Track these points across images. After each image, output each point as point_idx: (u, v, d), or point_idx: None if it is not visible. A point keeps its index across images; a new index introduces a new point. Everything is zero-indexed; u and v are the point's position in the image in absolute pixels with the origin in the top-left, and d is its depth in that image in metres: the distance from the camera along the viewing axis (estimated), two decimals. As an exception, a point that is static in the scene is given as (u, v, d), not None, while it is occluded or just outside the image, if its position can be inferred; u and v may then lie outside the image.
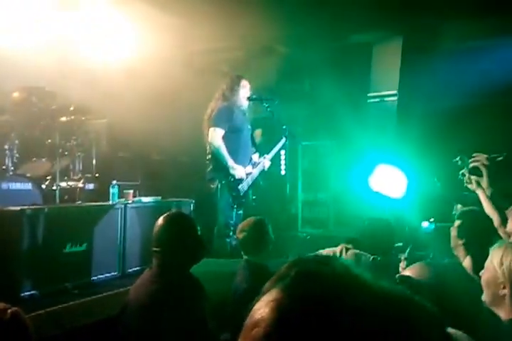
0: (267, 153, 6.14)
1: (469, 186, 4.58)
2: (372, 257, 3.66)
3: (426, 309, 0.78)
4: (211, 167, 5.74)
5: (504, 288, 1.98)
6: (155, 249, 2.98)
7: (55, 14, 6.50)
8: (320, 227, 7.49)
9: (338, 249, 3.78)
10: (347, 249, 3.75)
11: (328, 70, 7.93)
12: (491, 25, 7.35)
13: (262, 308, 0.76)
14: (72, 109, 6.56)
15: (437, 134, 7.21)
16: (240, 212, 5.73)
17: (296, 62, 8.38)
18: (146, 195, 6.21)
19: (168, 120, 7.18)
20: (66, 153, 6.48)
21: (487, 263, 2.08)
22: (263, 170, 6.03)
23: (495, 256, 2.05)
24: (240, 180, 5.67)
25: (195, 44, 7.86)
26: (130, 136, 7.10)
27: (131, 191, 5.83)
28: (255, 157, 6.06)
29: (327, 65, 7.97)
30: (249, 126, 5.98)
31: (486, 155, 2.34)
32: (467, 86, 7.36)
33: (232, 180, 5.60)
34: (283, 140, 6.13)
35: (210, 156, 5.74)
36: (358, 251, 3.74)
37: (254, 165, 5.95)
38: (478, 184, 4.38)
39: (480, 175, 2.33)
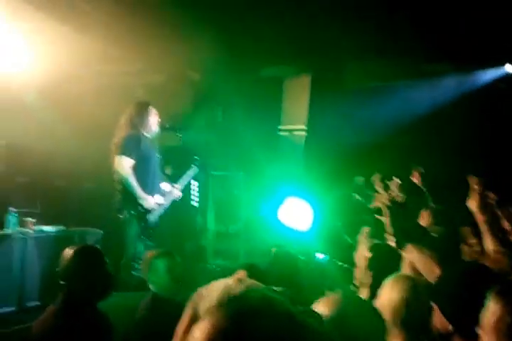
0: (177, 183, 5.96)
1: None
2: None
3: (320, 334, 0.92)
4: (119, 196, 5.49)
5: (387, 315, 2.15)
6: (61, 282, 2.86)
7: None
8: (231, 259, 7.39)
9: (231, 281, 3.64)
10: (240, 281, 3.61)
11: (240, 101, 8.00)
12: (394, 67, 7.81)
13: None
14: (-36, 129, 6.05)
15: (341, 169, 7.42)
16: (150, 243, 5.50)
17: (209, 91, 8.40)
18: (47, 224, 5.82)
19: (73, 143, 6.82)
20: None
21: (378, 294, 2.29)
22: (173, 200, 5.85)
23: (385, 288, 2.27)
24: (150, 211, 5.46)
25: (106, 65, 7.61)
26: (30, 159, 6.69)
27: (31, 219, 5.43)
28: (165, 186, 5.86)
29: (240, 95, 8.05)
30: (158, 155, 5.79)
31: (387, 196, 2.44)
32: (370, 124, 7.71)
33: (141, 210, 5.39)
34: (193, 169, 6.02)
35: (118, 185, 5.48)
36: (251, 282, 3.61)
37: (165, 194, 5.75)
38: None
39: (381, 214, 2.45)
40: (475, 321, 1.79)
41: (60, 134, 6.82)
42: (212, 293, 3.43)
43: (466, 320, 1.86)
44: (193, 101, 7.89)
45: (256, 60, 7.96)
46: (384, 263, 3.34)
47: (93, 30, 6.62)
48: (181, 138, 5.90)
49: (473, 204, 2.92)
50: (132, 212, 5.41)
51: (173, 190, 5.88)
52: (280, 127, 8.49)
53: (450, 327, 1.87)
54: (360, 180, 5.19)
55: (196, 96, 7.98)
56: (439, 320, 1.90)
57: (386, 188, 4.84)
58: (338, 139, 7.90)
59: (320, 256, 3.72)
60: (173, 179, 6.07)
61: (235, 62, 7.78)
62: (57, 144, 6.86)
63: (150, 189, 5.53)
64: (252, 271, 3.72)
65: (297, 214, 6.06)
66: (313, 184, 7.03)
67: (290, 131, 8.44)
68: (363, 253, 3.57)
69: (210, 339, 0.80)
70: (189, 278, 4.80)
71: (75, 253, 2.91)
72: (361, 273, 3.49)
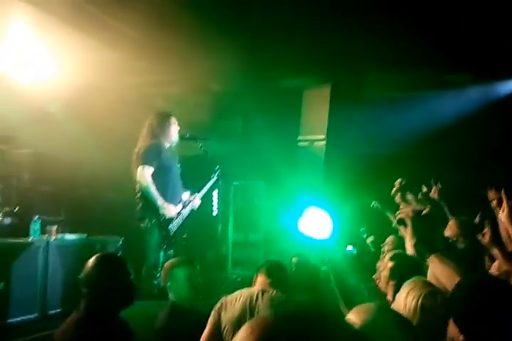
0: (198, 192, 6.01)
1: (400, 232, 4.75)
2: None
3: None
4: (141, 205, 5.57)
5: None
6: (84, 290, 2.78)
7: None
8: (251, 269, 7.36)
9: (255, 291, 3.62)
10: (263, 292, 3.58)
11: (260, 111, 8.05)
12: (414, 78, 7.79)
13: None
14: (-9, 137, 6.17)
15: (362, 179, 7.40)
16: (170, 252, 5.56)
17: (229, 102, 8.47)
18: (70, 232, 5.90)
19: (96, 153, 6.93)
20: None
21: (397, 295, 2.32)
22: (193, 209, 5.90)
23: (404, 290, 2.27)
24: (170, 220, 5.54)
25: (128, 76, 7.72)
26: (55, 168, 6.78)
27: (55, 227, 5.52)
28: (186, 196, 5.92)
29: (259, 106, 8.10)
30: (178, 164, 5.86)
31: (411, 207, 2.46)
32: (390, 134, 7.67)
33: (162, 219, 5.45)
34: (214, 178, 6.06)
35: (139, 194, 5.55)
36: (274, 293, 3.58)
37: (185, 203, 5.82)
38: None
39: (405, 226, 2.46)
40: (486, 332, 1.80)
41: (84, 144, 6.93)
42: (236, 302, 3.45)
43: (477, 331, 1.84)
44: (214, 112, 7.96)
45: (276, 71, 8.01)
46: (406, 273, 3.25)
47: (117, 42, 6.74)
48: (202, 147, 5.96)
49: (503, 215, 2.88)
50: (153, 221, 5.46)
51: (192, 199, 5.93)
52: (300, 137, 8.51)
53: (461, 337, 1.87)
54: (375, 203, 5.20)
55: (217, 107, 8.05)
56: (452, 330, 1.90)
57: (405, 199, 4.85)
58: (357, 149, 7.88)
59: (349, 248, 3.73)
60: (193, 188, 6.12)
61: (255, 73, 7.83)
62: (81, 154, 6.96)
63: (170, 198, 5.59)
64: (275, 277, 3.67)
65: (317, 224, 6.07)
66: (333, 194, 7.03)
67: (310, 141, 8.45)
68: (385, 263, 3.58)
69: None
70: (209, 287, 4.83)
71: (99, 261, 2.87)
72: (384, 283, 3.47)
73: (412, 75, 7.70)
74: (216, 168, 6.05)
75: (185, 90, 8.34)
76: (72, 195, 7.18)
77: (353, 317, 1.75)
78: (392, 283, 3.39)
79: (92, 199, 7.53)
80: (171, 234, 5.56)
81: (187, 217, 5.81)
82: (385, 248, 4.83)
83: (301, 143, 8.55)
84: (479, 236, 2.73)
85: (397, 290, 3.33)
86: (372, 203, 5.23)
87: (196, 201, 5.96)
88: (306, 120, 8.56)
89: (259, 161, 8.15)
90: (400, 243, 4.48)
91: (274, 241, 7.68)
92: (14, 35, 6.43)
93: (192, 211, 5.91)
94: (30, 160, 6.62)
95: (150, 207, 5.48)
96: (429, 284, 2.35)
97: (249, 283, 4.24)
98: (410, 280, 2.39)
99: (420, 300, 2.17)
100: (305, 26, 6.79)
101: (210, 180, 6.08)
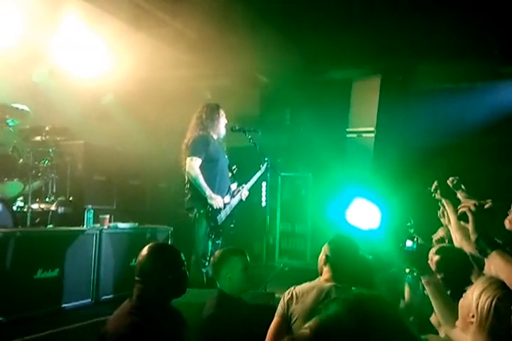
0: (246, 183, 6.05)
1: (442, 220, 4.66)
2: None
3: None
4: (189, 196, 5.65)
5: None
6: (137, 278, 2.81)
7: (31, 32, 6.34)
8: (297, 259, 7.42)
9: (327, 285, 3.48)
10: (336, 287, 3.52)
11: (308, 103, 8.01)
12: (466, 69, 7.60)
13: None
14: (47, 128, 6.33)
15: (411, 171, 7.31)
16: (218, 241, 5.63)
17: (278, 94, 8.46)
18: (121, 221, 6.04)
19: (148, 144, 7.07)
20: (39, 174, 6.16)
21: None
22: (241, 200, 5.94)
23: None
24: (219, 210, 5.58)
25: (178, 69, 7.81)
26: (107, 159, 6.93)
27: (107, 216, 5.67)
28: (233, 186, 5.97)
29: (308, 98, 8.05)
30: (226, 156, 5.90)
31: (474, 202, 2.38)
32: (442, 126, 7.53)
33: (210, 209, 5.50)
34: (261, 170, 6.07)
35: (188, 185, 5.62)
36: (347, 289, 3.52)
37: (233, 194, 5.86)
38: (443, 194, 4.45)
39: (467, 221, 2.38)
40: None
41: (135, 135, 7.08)
42: (308, 295, 3.36)
43: None
44: (262, 104, 7.98)
45: (325, 62, 7.96)
46: (453, 265, 3.31)
47: (166, 36, 6.84)
48: (251, 140, 5.98)
49: None
50: (202, 212, 5.52)
51: (240, 190, 5.97)
52: (348, 129, 8.44)
53: None
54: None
55: (265, 99, 8.06)
56: None
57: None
58: (407, 141, 7.77)
59: (409, 243, 3.67)
60: (241, 180, 6.16)
61: (303, 65, 7.81)
62: (132, 145, 7.11)
63: (217, 189, 5.64)
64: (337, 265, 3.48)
65: (365, 216, 6.04)
66: (381, 185, 6.96)
67: (358, 133, 8.37)
68: (431, 257, 3.52)
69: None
70: (255, 276, 4.86)
71: (153, 250, 2.85)
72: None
73: (465, 66, 7.50)
74: (264, 160, 6.06)
75: (234, 83, 8.39)
76: (124, 185, 7.34)
77: None
78: (439, 276, 3.33)
79: (143, 189, 7.68)
80: (219, 224, 5.61)
81: (235, 207, 5.86)
82: (434, 239, 4.77)
83: (349, 135, 8.48)
84: None
85: (445, 284, 3.26)
86: (429, 189, 5.11)
87: (244, 192, 6.00)
88: (355, 112, 8.48)
89: (307, 153, 8.14)
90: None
91: (321, 232, 7.67)
92: (71, 31, 6.62)
93: (240, 201, 5.96)
94: (83, 151, 6.79)
95: (198, 197, 5.54)
96: (504, 284, 2.20)
97: (296, 273, 4.27)
98: (485, 277, 2.27)
99: (495, 302, 2.08)
100: (355, 17, 6.72)
101: (258, 171, 6.10)
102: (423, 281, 2.95)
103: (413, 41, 6.97)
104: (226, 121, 5.88)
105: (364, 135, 8.38)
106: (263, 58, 7.18)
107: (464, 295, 2.19)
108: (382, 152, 8.03)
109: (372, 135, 8.28)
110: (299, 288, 3.36)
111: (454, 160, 7.17)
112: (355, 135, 8.45)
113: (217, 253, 3.77)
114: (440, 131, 7.50)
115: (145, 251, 2.86)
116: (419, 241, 3.67)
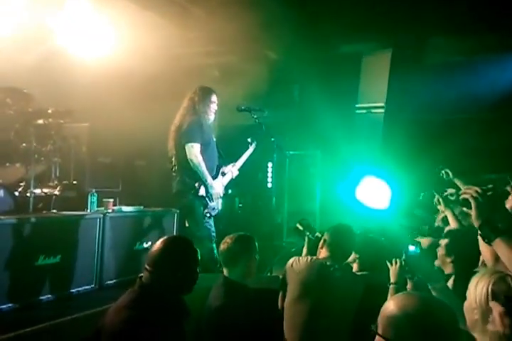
0: (235, 162, 5.95)
1: (438, 207, 4.63)
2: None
3: None
4: (178, 179, 5.50)
5: (476, 312, 2.04)
6: (147, 266, 2.71)
7: (34, 13, 6.20)
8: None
9: (325, 262, 3.74)
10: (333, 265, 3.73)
11: (317, 79, 7.85)
12: (477, 41, 7.41)
13: None
14: (50, 111, 6.16)
15: (422, 147, 7.21)
16: (213, 228, 5.54)
17: (286, 70, 8.31)
18: (127, 203, 5.97)
19: (153, 124, 6.95)
20: (42, 158, 5.99)
21: (468, 290, 2.13)
22: (231, 179, 5.84)
23: (472, 283, 2.11)
24: (215, 197, 5.48)
25: (184, 47, 7.67)
26: (112, 140, 6.85)
27: (111, 200, 5.59)
28: (225, 169, 5.85)
29: (317, 74, 7.90)
30: (214, 138, 5.75)
31: (476, 188, 2.29)
32: (453, 100, 7.42)
33: (207, 196, 5.39)
34: (251, 148, 5.97)
35: (176, 168, 5.51)
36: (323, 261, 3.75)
37: (223, 174, 5.77)
38: (447, 205, 4.42)
39: (469, 207, 2.31)
40: None
41: (141, 116, 6.96)
42: (305, 269, 3.60)
43: None
44: (270, 81, 7.81)
45: (334, 37, 7.76)
46: (462, 248, 3.29)
47: (172, 13, 6.68)
48: (257, 120, 5.84)
49: None
50: (195, 195, 5.40)
51: (231, 169, 5.87)
52: (358, 105, 8.28)
53: None
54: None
55: (273, 76, 7.89)
56: None
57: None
58: (417, 116, 7.64)
59: (412, 248, 3.65)
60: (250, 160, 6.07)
61: (312, 40, 7.61)
62: (138, 125, 7.00)
63: (211, 172, 5.53)
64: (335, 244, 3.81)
65: (375, 193, 5.95)
66: (391, 163, 6.86)
67: (368, 108, 8.23)
68: (441, 242, 3.51)
69: None
70: (265, 255, 4.82)
71: (167, 245, 2.75)
72: (441, 261, 3.45)
73: (475, 39, 7.29)
74: (272, 141, 5.90)
75: (242, 60, 8.22)
76: (129, 167, 7.26)
77: (393, 302, 1.78)
78: (449, 260, 3.38)
79: (149, 169, 7.60)
80: (214, 210, 5.51)
81: (226, 186, 5.75)
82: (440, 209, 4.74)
83: (359, 111, 8.34)
84: None
85: (456, 267, 3.33)
86: (442, 171, 5.07)
87: (234, 171, 5.89)
88: (364, 87, 8.33)
89: (315, 130, 8.01)
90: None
91: (330, 211, 7.59)
92: (75, 11, 6.48)
93: (230, 180, 5.86)
94: (87, 133, 6.71)
95: (190, 181, 5.40)
96: (497, 271, 2.18)
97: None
98: (478, 273, 2.20)
99: (490, 287, 2.02)
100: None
101: (246, 150, 6.00)
102: (430, 287, 2.96)
103: (424, 14, 6.75)
104: (216, 108, 5.72)
105: (374, 111, 8.25)
106: (272, 34, 6.99)
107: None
108: (392, 127, 7.91)
109: (382, 110, 8.16)
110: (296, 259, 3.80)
111: (465, 135, 7.04)
112: (364, 111, 8.32)
113: (234, 240, 3.61)
114: (451, 105, 7.37)
115: (160, 243, 2.74)
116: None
